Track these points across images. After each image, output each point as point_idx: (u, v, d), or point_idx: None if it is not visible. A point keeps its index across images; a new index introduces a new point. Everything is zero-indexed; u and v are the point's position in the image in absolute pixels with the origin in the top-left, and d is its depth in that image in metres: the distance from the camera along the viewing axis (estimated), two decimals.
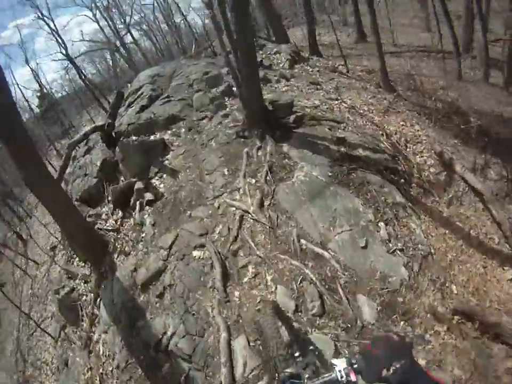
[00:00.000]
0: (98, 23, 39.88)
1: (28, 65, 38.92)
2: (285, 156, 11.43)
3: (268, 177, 10.75)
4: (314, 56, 25.72)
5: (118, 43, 38.89)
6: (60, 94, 46.43)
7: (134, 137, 15.89)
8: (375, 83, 21.43)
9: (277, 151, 11.68)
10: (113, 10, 40.34)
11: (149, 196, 12.76)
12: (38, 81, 38.81)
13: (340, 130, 12.62)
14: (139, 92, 19.15)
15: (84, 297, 12.15)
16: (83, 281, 12.53)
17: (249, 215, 9.88)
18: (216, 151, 12.96)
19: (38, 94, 42.16)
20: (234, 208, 10.24)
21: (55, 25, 36.51)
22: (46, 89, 42.80)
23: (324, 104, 16.00)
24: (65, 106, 44.50)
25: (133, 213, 12.89)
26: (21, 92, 39.41)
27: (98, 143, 17.16)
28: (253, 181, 10.90)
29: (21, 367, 17.24)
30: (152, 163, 14.08)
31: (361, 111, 15.67)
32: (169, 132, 15.87)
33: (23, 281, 24.10)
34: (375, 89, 20.47)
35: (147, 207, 12.34)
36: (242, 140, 12.90)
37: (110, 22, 38.69)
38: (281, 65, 21.40)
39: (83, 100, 42.03)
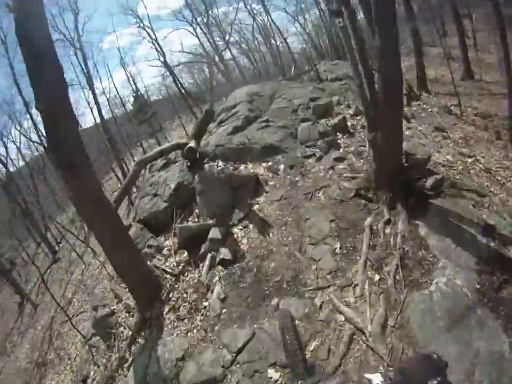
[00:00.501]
0: (198, 38, 37.68)
1: (123, 68, 37.27)
2: (422, 242, 7.65)
3: (397, 276, 7.05)
4: (423, 92, 21.17)
5: (216, 58, 35.29)
6: (155, 97, 43.92)
7: (220, 163, 12.35)
8: (494, 132, 17.11)
9: (412, 232, 7.90)
10: (213, 27, 37.67)
11: (225, 252, 9.04)
12: (131, 83, 37.13)
13: (484, 210, 8.54)
14: (234, 110, 15.38)
15: (121, 329, 9.48)
16: (126, 310, 9.87)
17: (364, 338, 6.30)
18: (325, 209, 9.31)
19: (134, 94, 39.67)
20: (343, 319, 6.71)
21: (155, 35, 35.33)
22: (139, 91, 40.80)
23: (458, 162, 11.61)
24: (158, 109, 41.79)
25: (200, 266, 9.36)
26: (116, 90, 36.90)
27: (179, 159, 13.32)
28: (377, 277, 7.26)
29: (45, 348, 15.78)
30: (238, 205, 10.36)
31: (499, 178, 11.69)
32: (264, 164, 12.02)
33: (77, 264, 22.32)
34: (497, 140, 16.46)
35: (220, 268, 8.97)
36: (364, 201, 9.13)
37: (209, 37, 35.21)
38: None
39: (176, 106, 38.89)
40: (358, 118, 13.82)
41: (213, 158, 12.72)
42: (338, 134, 12.63)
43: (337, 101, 14.96)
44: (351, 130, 12.77)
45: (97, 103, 31.52)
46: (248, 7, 37.74)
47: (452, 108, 19.71)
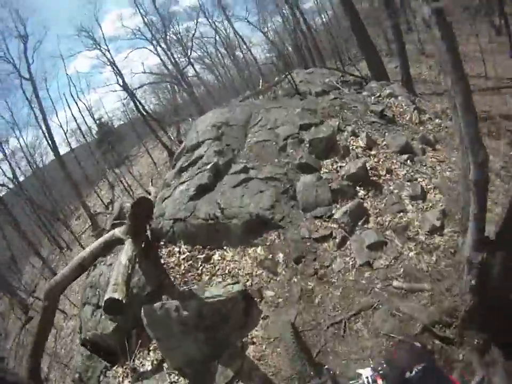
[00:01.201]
0: (159, 56, 31.77)
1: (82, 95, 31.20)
2: None
3: None
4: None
5: (178, 76, 29.44)
6: (121, 122, 37.66)
7: (184, 247, 7.50)
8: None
9: None
10: (173, 42, 32.35)
11: None
12: (90, 112, 30.65)
13: None
14: (197, 152, 10.00)
15: None
16: None
17: None
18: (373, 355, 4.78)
19: (97, 122, 33.60)
20: None
21: (111, 56, 29.03)
22: (102, 119, 35.20)
23: None
24: (125, 135, 35.71)
25: None
26: (75, 120, 30.63)
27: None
28: None
29: None
30: (220, 351, 5.44)
31: None
32: (251, 252, 6.95)
33: None
34: None
35: None
36: (438, 342, 4.83)
37: (169, 53, 29.45)
38: (406, 117, 11.42)
39: (141, 130, 32.96)
40: (374, 152, 8.81)
41: (171, 239, 7.63)
42: (358, 189, 7.51)
43: (337, 127, 9.48)
44: (375, 180, 7.69)
45: (51, 138, 25.22)
46: (210, 20, 31.70)
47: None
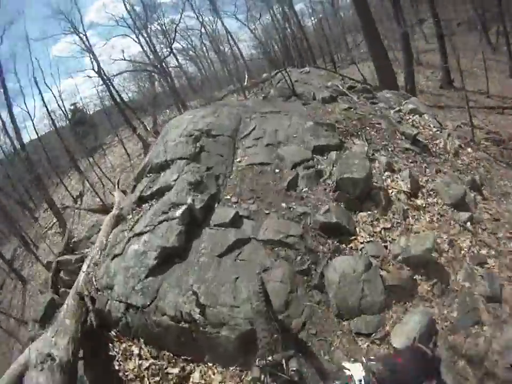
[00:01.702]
0: (141, 45, 26.91)
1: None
2: None
3: None
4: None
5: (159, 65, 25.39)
6: (98, 109, 33.07)
7: (145, 349, 4.27)
8: None
9: None
10: (157, 32, 27.57)
11: None
12: (60, 97, 26.49)
13: None
14: (163, 180, 6.41)
15: None
16: None
17: None
18: None
19: (72, 107, 29.44)
20: None
21: (88, 41, 24.55)
22: (76, 104, 31.42)
23: None
24: (100, 122, 31.24)
25: None
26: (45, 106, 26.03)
27: None
28: None
29: None
30: None
31: None
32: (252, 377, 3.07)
33: None
34: None
35: None
36: None
37: (148, 40, 25.34)
38: (439, 144, 8.31)
39: (115, 119, 28.70)
40: (421, 203, 5.90)
41: (126, 331, 4.53)
42: (419, 279, 4.55)
43: (366, 154, 6.16)
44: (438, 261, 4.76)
45: (15, 125, 21.15)
46: (196, 12, 27.54)
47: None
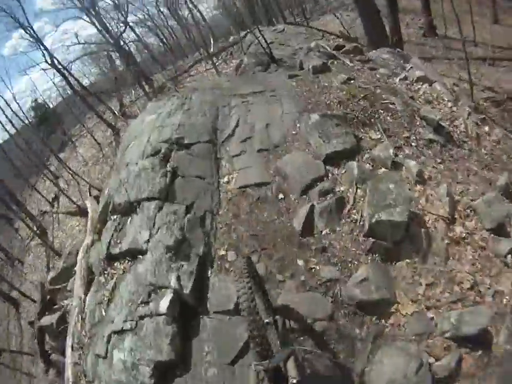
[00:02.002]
0: (94, 24, 22.76)
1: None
2: None
3: None
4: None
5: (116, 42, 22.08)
6: (60, 100, 29.65)
7: None
8: None
9: None
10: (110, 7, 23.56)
11: None
12: (13, 97, 23.13)
13: None
14: (130, 237, 4.36)
15: None
16: None
17: None
18: None
19: (33, 104, 27.22)
20: None
21: (34, 33, 20.35)
22: (36, 100, 27.75)
23: None
24: (64, 114, 28.01)
25: None
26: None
27: None
28: None
29: None
30: None
31: None
32: None
33: None
34: None
35: None
36: None
37: (101, 18, 21.60)
38: (460, 127, 6.31)
39: (81, 107, 25.62)
40: (461, 231, 4.12)
41: None
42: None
43: (391, 161, 4.25)
44: None
45: None
46: None
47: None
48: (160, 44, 29.75)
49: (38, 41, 20.51)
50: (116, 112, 21.58)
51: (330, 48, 9.13)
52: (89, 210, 7.71)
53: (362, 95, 6.34)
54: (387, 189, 3.90)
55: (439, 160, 5.16)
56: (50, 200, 20.98)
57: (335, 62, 8.26)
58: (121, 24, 23.24)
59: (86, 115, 26.81)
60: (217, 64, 15.67)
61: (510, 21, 14.73)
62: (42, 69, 22.58)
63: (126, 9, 23.34)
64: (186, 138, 5.40)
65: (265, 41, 9.65)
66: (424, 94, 7.27)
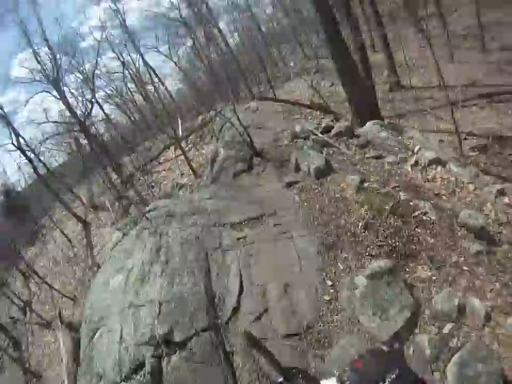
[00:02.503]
0: (61, 100, 19.44)
1: None
2: None
3: None
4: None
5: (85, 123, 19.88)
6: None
7: None
8: None
9: None
10: (79, 82, 20.95)
11: None
12: None
13: None
14: None
15: None
16: None
17: None
18: None
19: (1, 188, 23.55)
20: None
21: (3, 110, 17.41)
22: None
23: None
24: (33, 199, 25.25)
25: None
26: None
27: None
28: None
29: None
30: None
31: None
32: None
33: None
34: None
35: None
36: None
37: (62, 96, 19.44)
38: (491, 213, 4.94)
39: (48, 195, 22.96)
40: None
41: None
42: None
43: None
44: None
45: None
46: (116, 50, 22.08)
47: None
48: (129, 122, 28.13)
49: (4, 119, 18.11)
50: (85, 202, 19.29)
51: (317, 131, 7.67)
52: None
53: (387, 207, 4.71)
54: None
55: (493, 279, 3.86)
56: (22, 305, 17.87)
57: (332, 152, 6.74)
58: (88, 101, 21.21)
59: (56, 203, 24.23)
60: (187, 149, 14.06)
61: (461, 57, 14.02)
62: (8, 151, 20.12)
63: (92, 85, 21.24)
64: (177, 330, 3.44)
65: (242, 126, 8.09)
66: (444, 181, 5.79)
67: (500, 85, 11.62)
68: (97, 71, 21.64)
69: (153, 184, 14.62)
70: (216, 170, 8.12)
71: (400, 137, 7.27)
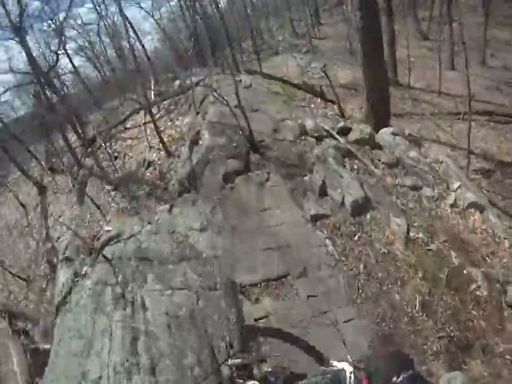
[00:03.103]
0: (26, 50, 15.55)
1: None
2: None
3: None
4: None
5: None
6: None
7: None
8: None
9: None
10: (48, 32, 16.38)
11: None
12: None
13: None
14: None
15: None
16: None
17: None
18: None
19: None
20: None
21: None
22: None
23: None
24: None
25: None
26: None
27: None
28: None
29: None
30: None
31: None
32: None
33: None
34: None
35: None
36: None
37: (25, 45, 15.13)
38: None
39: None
40: None
41: None
42: None
43: None
44: None
45: None
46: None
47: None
48: (99, 77, 23.90)
49: None
50: (42, 163, 15.86)
51: (335, 133, 5.61)
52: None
53: (442, 275, 3.25)
54: None
55: None
56: None
57: (357, 169, 4.76)
58: (54, 55, 17.18)
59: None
60: (158, 116, 11.26)
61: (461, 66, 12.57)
62: None
63: (61, 33, 17.13)
64: None
65: (239, 106, 5.84)
66: (483, 233, 4.45)
67: (500, 104, 10.31)
68: (71, 21, 17.69)
69: (116, 154, 11.73)
70: (198, 160, 5.80)
71: (428, 160, 5.44)
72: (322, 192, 4.12)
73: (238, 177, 4.89)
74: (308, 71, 13.49)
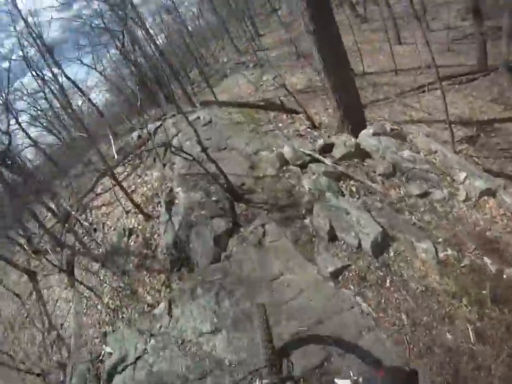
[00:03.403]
0: None
1: None
2: None
3: None
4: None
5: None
6: None
7: None
8: None
9: None
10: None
11: None
12: None
13: None
14: None
15: None
16: None
17: None
18: None
19: None
20: None
21: None
22: None
23: None
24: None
25: None
26: None
27: None
28: None
29: None
30: None
31: None
32: None
33: None
34: None
35: None
36: None
37: None
38: None
39: None
40: None
41: None
42: None
43: None
44: None
45: None
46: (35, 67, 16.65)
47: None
48: (59, 143, 22.49)
49: None
50: (25, 247, 14.39)
51: (319, 154, 4.90)
52: None
53: (484, 292, 2.68)
54: None
55: None
56: None
57: (355, 191, 4.06)
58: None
59: None
60: (126, 174, 10.26)
61: (407, 39, 12.32)
62: None
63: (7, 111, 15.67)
64: None
65: (204, 151, 5.03)
66: (503, 220, 3.61)
67: (457, 65, 9.92)
68: (18, 94, 16.33)
69: (95, 226, 10.62)
70: (180, 224, 4.92)
71: (421, 154, 4.78)
72: (332, 237, 3.40)
73: (230, 240, 4.09)
74: (261, 85, 12.89)
